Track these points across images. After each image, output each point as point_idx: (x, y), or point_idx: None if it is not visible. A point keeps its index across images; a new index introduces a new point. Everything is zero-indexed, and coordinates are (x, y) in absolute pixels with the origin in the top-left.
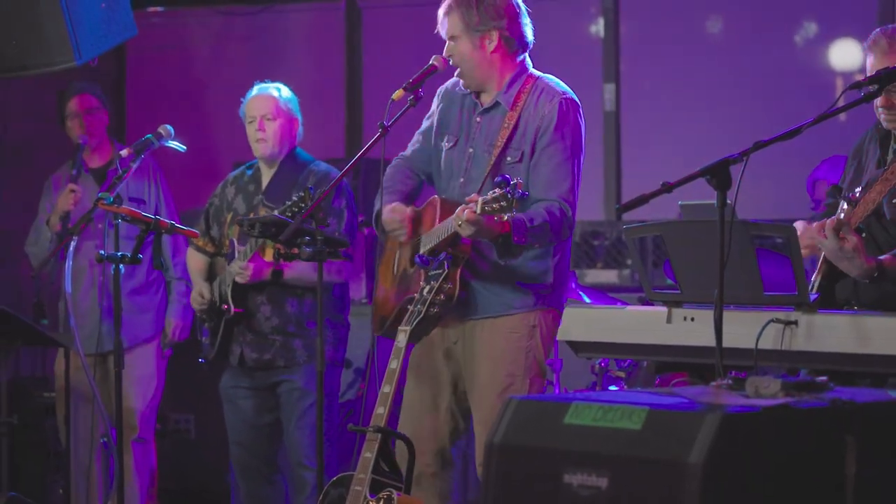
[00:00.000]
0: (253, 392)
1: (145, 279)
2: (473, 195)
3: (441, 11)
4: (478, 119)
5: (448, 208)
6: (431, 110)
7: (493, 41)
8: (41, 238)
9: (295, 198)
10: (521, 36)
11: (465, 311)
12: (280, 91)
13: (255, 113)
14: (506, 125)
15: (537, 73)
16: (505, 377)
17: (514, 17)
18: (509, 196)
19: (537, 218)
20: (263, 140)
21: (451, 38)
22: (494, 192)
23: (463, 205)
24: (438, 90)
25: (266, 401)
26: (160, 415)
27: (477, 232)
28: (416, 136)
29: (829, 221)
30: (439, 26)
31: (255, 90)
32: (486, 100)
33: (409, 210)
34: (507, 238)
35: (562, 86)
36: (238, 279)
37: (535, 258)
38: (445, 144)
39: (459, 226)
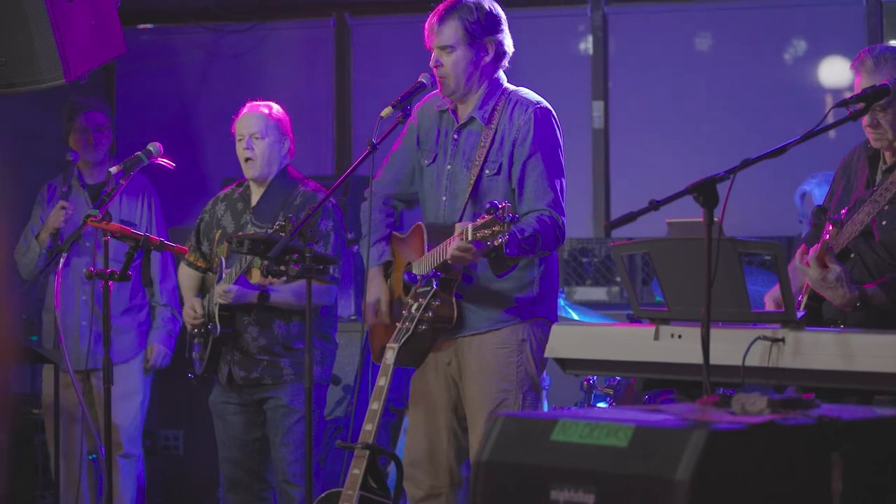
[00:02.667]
0: (242, 408)
1: (130, 301)
2: (462, 224)
3: (434, 20)
4: (455, 136)
5: (434, 234)
6: (408, 128)
7: (489, 53)
8: (31, 251)
9: (276, 226)
10: (508, 49)
11: (455, 331)
12: (270, 110)
13: (243, 131)
14: (482, 143)
15: (511, 86)
16: (497, 393)
17: (505, 30)
18: (500, 220)
19: (528, 229)
20: (251, 159)
21: (446, 47)
22: (484, 219)
23: (454, 235)
24: (415, 108)
25: (254, 416)
26: (149, 431)
27: (470, 260)
28: (390, 158)
29: (812, 250)
30: (433, 33)
31: (245, 108)
32: (463, 114)
33: (382, 299)
34: (500, 252)
35: (534, 96)
36: (221, 301)
37: (519, 269)
38: (425, 161)
39: (453, 257)
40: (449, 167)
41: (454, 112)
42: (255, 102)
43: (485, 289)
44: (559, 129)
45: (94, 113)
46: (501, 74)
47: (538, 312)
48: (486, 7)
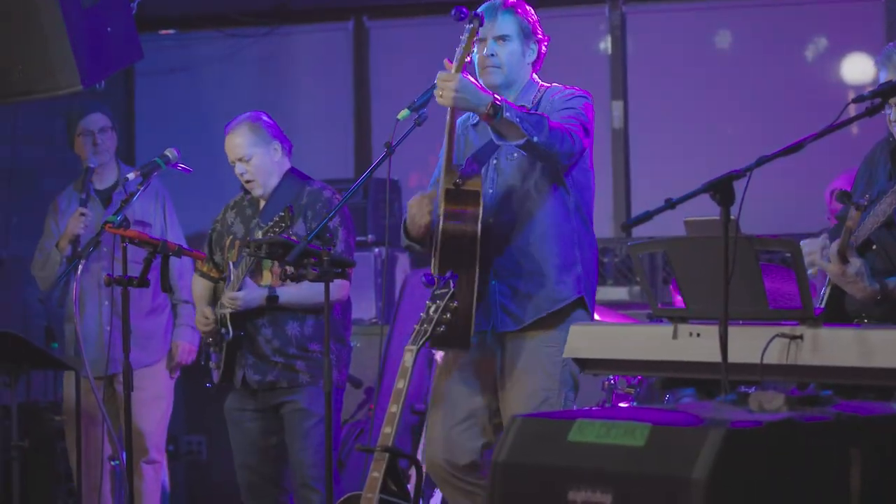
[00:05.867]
0: (258, 414)
1: (152, 302)
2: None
3: (491, 8)
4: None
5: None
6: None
7: (534, 53)
8: (49, 262)
9: (277, 217)
10: (543, 52)
11: (501, 325)
12: (245, 127)
13: (231, 157)
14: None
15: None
16: (541, 391)
17: (545, 38)
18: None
19: (536, 113)
20: (250, 181)
21: (501, 37)
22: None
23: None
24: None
25: (271, 422)
26: (172, 437)
27: (462, 92)
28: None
29: (833, 245)
30: (487, 23)
31: (226, 130)
32: None
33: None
34: (498, 110)
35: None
36: (229, 309)
37: (560, 271)
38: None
39: (439, 91)
40: (495, 161)
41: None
42: (232, 122)
43: (533, 288)
44: (592, 112)
45: (96, 115)
46: (536, 77)
47: (580, 315)
48: (533, 11)
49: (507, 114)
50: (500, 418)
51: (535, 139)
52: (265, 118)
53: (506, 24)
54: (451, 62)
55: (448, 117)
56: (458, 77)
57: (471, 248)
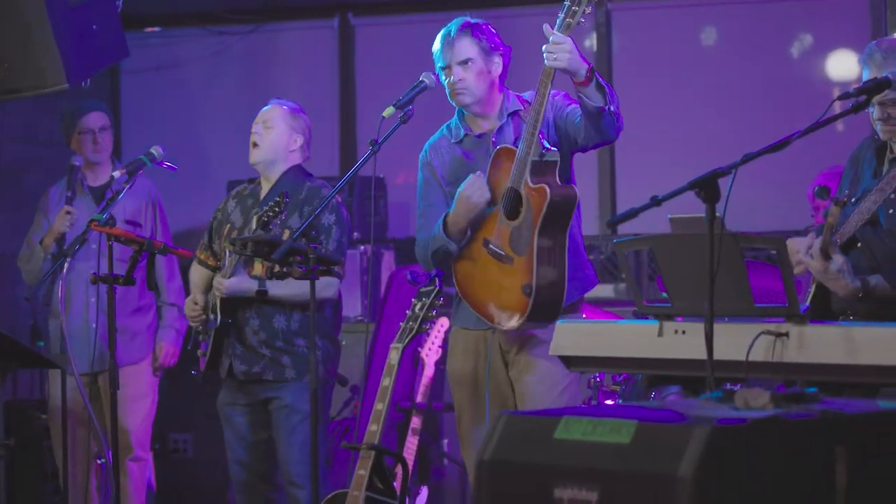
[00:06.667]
0: (248, 409)
1: (138, 301)
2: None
3: (446, 38)
4: (493, 139)
5: (505, 152)
6: (424, 178)
7: (499, 66)
8: (34, 257)
9: (272, 202)
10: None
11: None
12: (288, 106)
13: (257, 119)
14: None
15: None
16: (562, 378)
17: (507, 49)
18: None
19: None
20: (256, 145)
21: (463, 61)
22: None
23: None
24: (421, 157)
25: (260, 417)
26: (158, 434)
27: (573, 53)
28: (426, 210)
29: (815, 242)
30: (446, 52)
31: (271, 102)
32: (487, 126)
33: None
34: (593, 75)
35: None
36: (217, 294)
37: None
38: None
39: (550, 54)
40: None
41: (469, 129)
42: (279, 99)
43: (550, 285)
44: None
45: (96, 114)
46: (505, 87)
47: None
48: (487, 26)
49: (601, 80)
50: None
51: (612, 108)
52: (306, 117)
53: (466, 49)
54: (552, 28)
55: (543, 88)
56: (570, 41)
57: (569, 213)
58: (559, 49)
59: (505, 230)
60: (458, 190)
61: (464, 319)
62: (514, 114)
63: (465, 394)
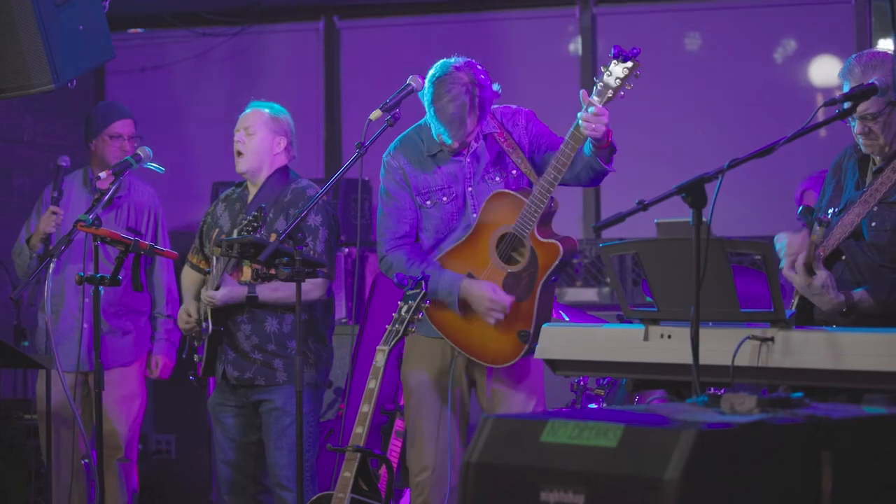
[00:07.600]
0: (238, 410)
1: (131, 303)
2: (583, 93)
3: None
4: (468, 160)
5: (504, 195)
6: (395, 180)
7: (494, 96)
8: (23, 254)
9: (251, 216)
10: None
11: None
12: (270, 109)
13: (238, 126)
14: (501, 146)
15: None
16: (529, 396)
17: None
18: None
19: None
20: (241, 153)
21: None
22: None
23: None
24: (387, 160)
25: (250, 419)
26: (142, 436)
27: (604, 124)
28: (391, 216)
29: (800, 258)
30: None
31: (251, 105)
32: (459, 145)
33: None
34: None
35: (511, 107)
36: (208, 307)
37: None
38: (439, 201)
39: (589, 124)
40: (470, 188)
41: (456, 155)
42: (258, 102)
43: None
44: None
45: (129, 122)
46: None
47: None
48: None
49: (614, 143)
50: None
51: (609, 167)
52: (290, 119)
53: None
54: (588, 95)
55: (569, 150)
56: (607, 112)
57: (569, 264)
58: (599, 121)
59: (498, 274)
60: (486, 293)
61: (427, 331)
62: (489, 135)
63: (422, 398)
